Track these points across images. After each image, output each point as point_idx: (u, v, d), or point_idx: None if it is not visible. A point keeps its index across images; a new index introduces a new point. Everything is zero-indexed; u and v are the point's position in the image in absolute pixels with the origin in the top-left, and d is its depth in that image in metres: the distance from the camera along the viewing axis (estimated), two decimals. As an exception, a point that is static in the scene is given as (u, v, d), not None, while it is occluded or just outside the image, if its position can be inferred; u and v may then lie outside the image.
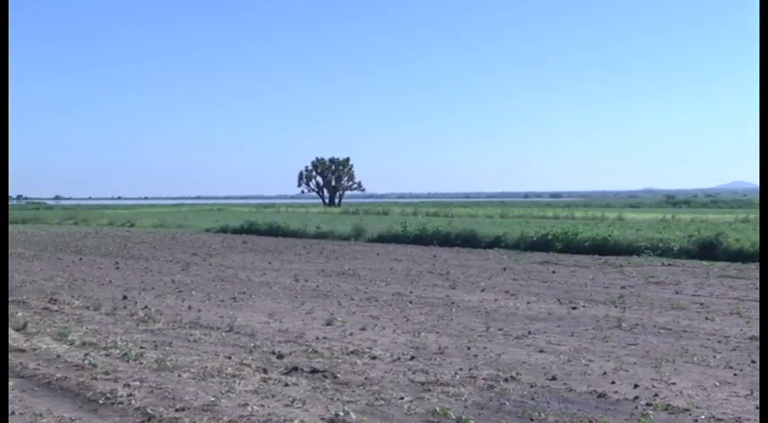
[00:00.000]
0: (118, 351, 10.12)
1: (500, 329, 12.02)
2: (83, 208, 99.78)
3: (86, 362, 9.39)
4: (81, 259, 25.58)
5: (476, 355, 10.04)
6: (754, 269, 20.54)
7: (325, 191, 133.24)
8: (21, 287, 17.61)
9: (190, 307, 14.46)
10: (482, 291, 16.90)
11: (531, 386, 8.38)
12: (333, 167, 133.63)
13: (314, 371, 8.99)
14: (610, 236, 28.48)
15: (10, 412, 7.42)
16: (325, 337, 11.29)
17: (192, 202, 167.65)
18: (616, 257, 25.04)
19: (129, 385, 8.30)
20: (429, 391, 8.15)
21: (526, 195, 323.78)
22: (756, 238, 24.39)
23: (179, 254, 27.65)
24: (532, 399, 7.86)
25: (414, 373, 9.01)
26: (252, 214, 63.13)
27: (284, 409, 7.38)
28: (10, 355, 9.90)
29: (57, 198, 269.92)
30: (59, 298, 15.45)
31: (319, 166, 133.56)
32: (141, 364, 9.42)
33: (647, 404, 7.63)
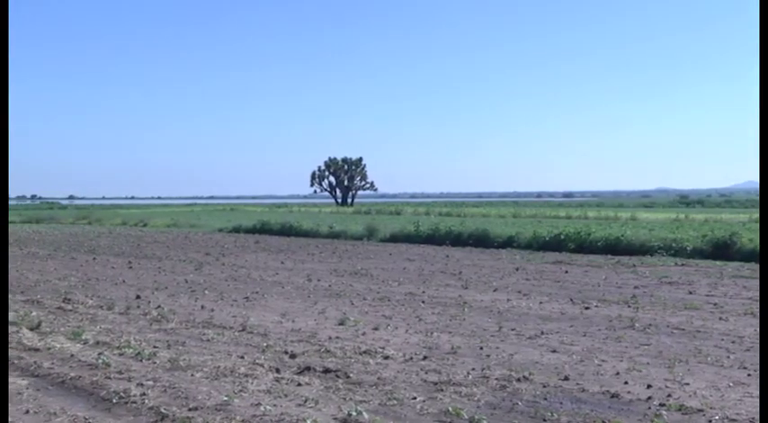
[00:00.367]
0: (131, 350, 10.15)
1: (513, 329, 12.00)
2: (96, 208, 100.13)
3: (100, 361, 9.42)
4: (94, 259, 25.67)
5: (488, 355, 10.03)
6: (768, 269, 20.41)
7: (337, 191, 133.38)
8: (35, 286, 17.70)
9: (203, 306, 14.50)
10: (495, 291, 16.88)
11: (544, 386, 8.36)
12: (345, 167, 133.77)
13: (326, 370, 9.00)
14: (623, 236, 28.39)
15: (24, 411, 7.46)
16: (337, 337, 11.30)
17: (205, 202, 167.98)
18: (629, 257, 24.97)
19: (142, 385, 8.33)
20: (442, 390, 8.14)
21: (539, 195, 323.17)
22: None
23: (192, 253, 27.72)
24: (545, 399, 7.85)
25: (426, 372, 9.01)
26: (264, 214, 63.27)
27: (297, 409, 7.39)
28: (24, 355, 9.97)
29: (71, 198, 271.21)
30: (73, 297, 15.51)
31: (332, 165, 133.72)
32: (154, 363, 9.45)
33: (661, 404, 7.61)
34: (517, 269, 21.75)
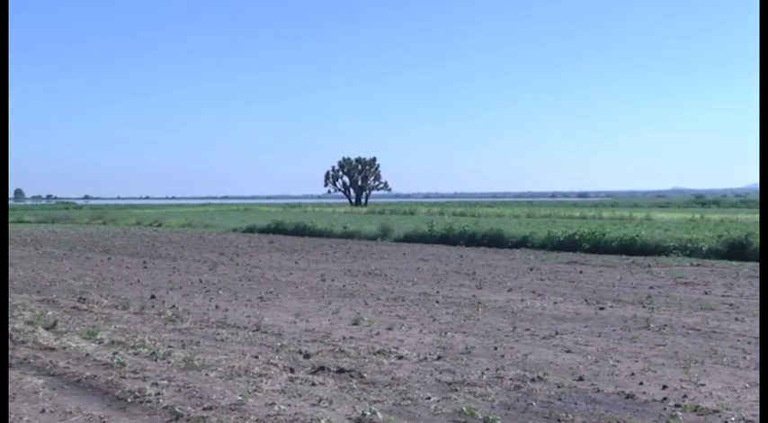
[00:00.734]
0: (146, 350, 10.18)
1: (527, 330, 11.98)
2: (111, 208, 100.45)
3: (115, 361, 9.45)
4: (109, 259, 25.77)
5: (502, 356, 10.01)
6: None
7: (351, 191, 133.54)
8: (50, 286, 17.78)
9: (217, 306, 14.53)
10: (509, 291, 16.85)
11: (559, 387, 8.34)
12: (359, 167, 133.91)
13: (341, 370, 9.00)
14: (637, 236, 28.28)
15: (40, 410, 7.49)
16: (351, 337, 11.30)
17: (219, 202, 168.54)
18: (644, 258, 24.88)
19: (157, 384, 8.35)
20: (456, 391, 8.13)
21: (553, 195, 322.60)
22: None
23: (206, 253, 27.79)
24: (559, 399, 7.83)
25: (440, 373, 9.00)
26: (278, 214, 63.40)
27: (311, 409, 7.39)
28: (40, 354, 10.01)
29: (86, 198, 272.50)
30: (88, 297, 15.57)
31: (346, 165, 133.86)
32: (169, 363, 9.47)
33: (676, 405, 7.57)
34: (531, 269, 21.71)
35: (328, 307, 14.52)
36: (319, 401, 7.66)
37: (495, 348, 10.47)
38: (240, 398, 7.68)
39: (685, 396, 7.92)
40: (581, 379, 8.68)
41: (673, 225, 39.47)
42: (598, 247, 28.03)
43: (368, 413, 7.16)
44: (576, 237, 29.35)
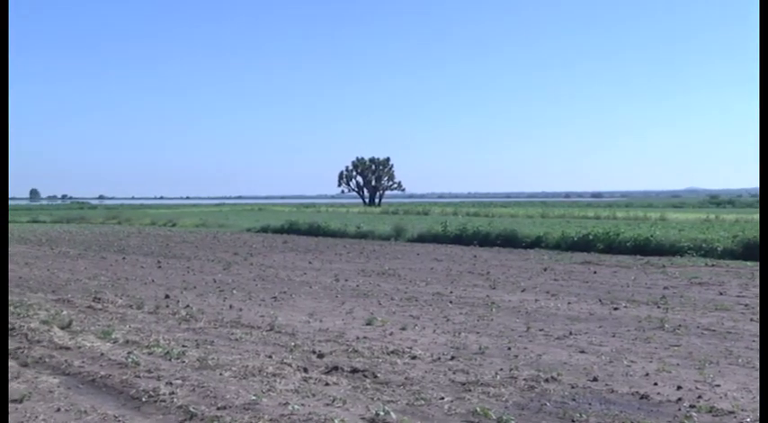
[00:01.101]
0: (160, 349, 10.21)
1: (541, 330, 11.96)
2: (126, 207, 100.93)
3: (129, 360, 9.49)
4: (124, 258, 25.88)
5: (516, 356, 9.99)
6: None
7: (365, 191, 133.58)
8: (65, 286, 17.87)
9: (231, 306, 14.56)
10: (523, 291, 16.83)
11: (573, 387, 8.33)
12: (373, 167, 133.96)
13: (354, 370, 9.01)
14: (652, 236, 28.18)
15: (55, 409, 7.53)
16: (365, 337, 11.31)
17: (233, 202, 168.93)
18: (658, 258, 24.80)
19: (171, 383, 8.38)
20: (469, 391, 8.13)
21: (567, 195, 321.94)
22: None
23: (220, 253, 27.86)
24: (573, 400, 7.81)
25: (454, 373, 9.00)
26: (292, 214, 63.54)
27: (325, 409, 7.40)
28: (55, 353, 10.06)
29: (100, 198, 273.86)
30: (103, 297, 15.64)
31: (359, 165, 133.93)
32: (183, 362, 9.50)
33: (691, 406, 7.54)
34: (545, 269, 21.67)
35: (342, 307, 14.53)
36: (333, 401, 7.67)
37: (509, 348, 10.46)
38: (254, 397, 7.70)
39: (700, 397, 7.89)
40: (595, 379, 8.66)
41: (687, 225, 39.31)
42: (612, 247, 27.95)
43: (381, 413, 7.16)
44: (591, 237, 29.28)
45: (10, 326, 11.82)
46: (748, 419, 7.11)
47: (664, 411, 7.40)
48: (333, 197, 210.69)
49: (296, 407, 7.37)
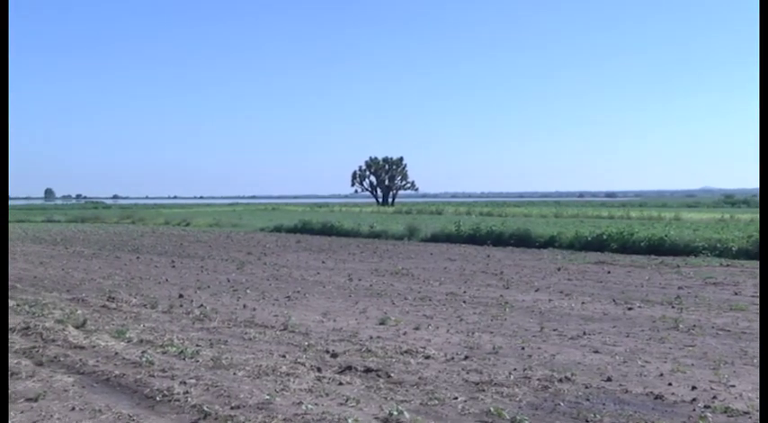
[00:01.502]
0: (174, 349, 10.24)
1: (554, 330, 11.93)
2: (140, 207, 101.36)
3: (144, 359, 9.52)
4: (138, 258, 25.96)
5: (530, 356, 9.97)
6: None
7: (378, 190, 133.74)
8: (80, 285, 17.94)
9: (245, 306, 14.59)
10: (536, 291, 16.79)
11: (586, 387, 8.30)
12: (386, 167, 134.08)
13: (368, 370, 9.01)
14: (666, 236, 28.08)
15: (70, 408, 7.56)
16: (378, 337, 11.30)
17: (247, 202, 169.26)
18: (673, 258, 24.71)
19: (185, 383, 8.40)
20: (483, 391, 8.11)
21: (581, 195, 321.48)
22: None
23: (234, 253, 27.92)
24: (587, 400, 7.79)
25: (468, 372, 8.98)
26: (306, 214, 63.69)
27: (338, 408, 7.41)
28: (70, 352, 10.10)
29: (115, 197, 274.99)
30: (117, 296, 15.69)
31: (373, 165, 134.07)
32: (197, 361, 9.52)
33: (706, 406, 7.51)
34: (559, 269, 21.62)
35: (355, 306, 14.54)
36: (346, 401, 7.67)
37: (523, 348, 10.44)
38: (268, 397, 7.71)
39: (715, 397, 7.86)
40: (609, 379, 8.63)
41: (702, 225, 39.17)
42: (626, 247, 27.87)
43: (395, 413, 7.16)
44: (604, 237, 29.20)
45: (25, 325, 11.89)
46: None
47: (678, 412, 7.37)
48: (346, 197, 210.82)
49: (309, 406, 7.38)
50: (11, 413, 7.30)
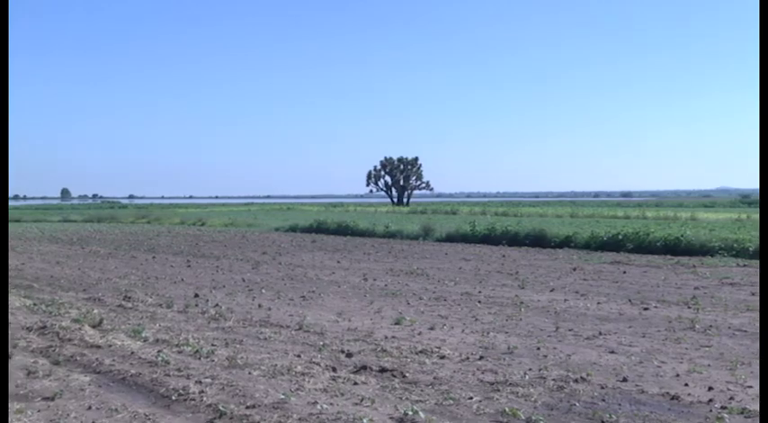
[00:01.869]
0: (190, 348, 10.27)
1: (570, 330, 11.90)
2: (155, 207, 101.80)
3: (159, 358, 9.55)
4: (154, 257, 26.05)
5: (545, 356, 9.95)
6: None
7: (393, 190, 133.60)
8: (96, 285, 18.02)
9: (260, 305, 14.61)
10: (551, 291, 16.75)
11: (602, 387, 8.28)
12: (401, 167, 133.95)
13: (383, 370, 9.01)
14: (682, 236, 27.94)
15: (87, 407, 7.59)
16: (393, 337, 11.30)
17: (262, 202, 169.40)
18: (689, 258, 24.60)
19: (200, 382, 8.42)
20: (498, 391, 8.10)
21: (596, 195, 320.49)
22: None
23: (249, 252, 27.97)
24: (603, 400, 7.77)
25: (483, 372, 8.97)
26: (321, 213, 63.74)
27: (353, 408, 7.41)
28: (86, 352, 10.15)
29: (130, 197, 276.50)
30: (133, 295, 15.76)
31: (388, 165, 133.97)
32: (213, 361, 9.55)
33: (722, 407, 7.47)
34: (574, 269, 21.56)
35: (370, 306, 14.54)
36: (361, 400, 7.67)
37: (538, 348, 10.41)
38: (283, 396, 7.72)
39: (732, 398, 7.82)
40: (625, 380, 8.60)
41: (718, 225, 38.97)
42: (642, 247, 27.76)
43: (410, 413, 7.16)
44: (620, 237, 29.09)
45: (42, 324, 11.96)
46: (781, 421, 7.03)
47: (695, 412, 7.34)
48: (361, 197, 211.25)
49: (324, 406, 7.39)
50: (27, 412, 7.34)
